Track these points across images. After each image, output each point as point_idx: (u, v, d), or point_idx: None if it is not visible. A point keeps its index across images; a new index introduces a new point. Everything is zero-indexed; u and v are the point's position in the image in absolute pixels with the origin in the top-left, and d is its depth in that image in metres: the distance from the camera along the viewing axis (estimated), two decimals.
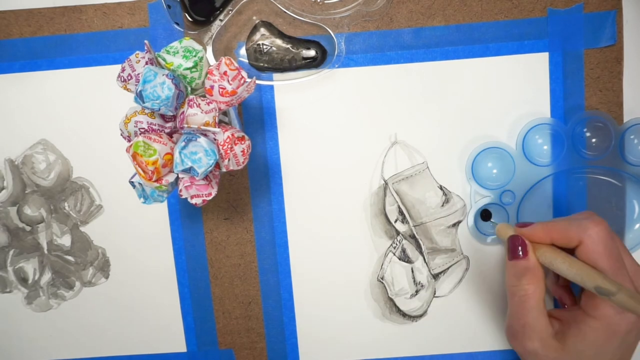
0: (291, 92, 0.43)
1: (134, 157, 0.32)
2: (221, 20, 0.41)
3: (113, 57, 0.43)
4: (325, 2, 0.41)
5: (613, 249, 0.31)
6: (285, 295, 0.45)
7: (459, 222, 0.43)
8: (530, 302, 0.32)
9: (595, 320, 0.32)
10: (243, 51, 0.42)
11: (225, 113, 0.37)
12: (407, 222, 0.43)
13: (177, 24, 0.40)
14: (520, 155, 0.42)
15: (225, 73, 0.32)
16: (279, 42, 0.42)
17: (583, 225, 0.31)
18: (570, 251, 0.33)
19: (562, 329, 0.32)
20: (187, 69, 0.32)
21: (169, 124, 0.34)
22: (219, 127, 0.32)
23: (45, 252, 0.45)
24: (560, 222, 0.33)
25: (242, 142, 0.34)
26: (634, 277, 0.32)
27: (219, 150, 0.33)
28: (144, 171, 0.32)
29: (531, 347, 0.32)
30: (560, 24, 0.41)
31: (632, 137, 0.42)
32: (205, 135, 0.33)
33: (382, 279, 0.44)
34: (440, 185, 0.43)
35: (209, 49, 0.41)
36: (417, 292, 0.44)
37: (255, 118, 0.43)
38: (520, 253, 0.33)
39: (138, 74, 0.32)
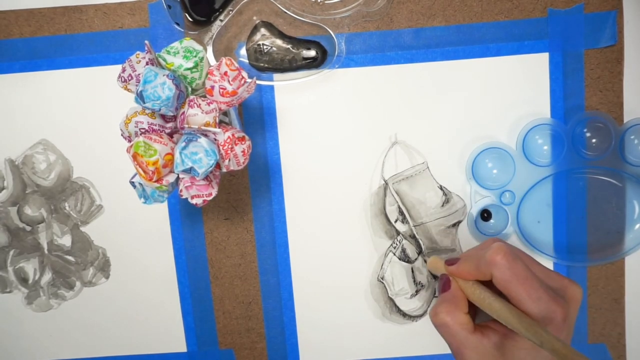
0: (291, 93, 0.43)
1: (135, 157, 0.32)
2: (221, 21, 0.41)
3: (113, 58, 0.43)
4: (326, 2, 0.41)
5: (519, 271, 0.31)
6: (285, 295, 0.45)
7: (459, 222, 0.44)
8: (452, 329, 0.33)
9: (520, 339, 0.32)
10: (243, 51, 0.42)
11: (225, 113, 0.37)
12: (407, 222, 0.43)
13: (178, 24, 0.40)
14: (521, 155, 0.42)
15: (225, 73, 0.32)
16: (279, 42, 0.42)
17: (487, 259, 0.32)
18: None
19: (500, 339, 0.33)
20: (188, 69, 0.32)
21: (170, 124, 0.34)
22: (219, 128, 0.32)
23: (46, 252, 0.45)
24: (470, 262, 0.34)
25: (243, 143, 0.34)
26: (547, 281, 0.33)
27: (219, 150, 0.33)
28: (144, 171, 0.32)
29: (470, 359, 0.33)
30: (561, 24, 0.41)
31: (632, 137, 0.42)
32: (205, 135, 0.33)
33: (382, 279, 0.44)
34: (441, 186, 0.43)
35: (210, 49, 0.41)
36: (417, 292, 0.44)
37: (256, 118, 0.43)
38: (445, 285, 0.35)
39: (139, 74, 0.32)
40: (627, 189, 0.43)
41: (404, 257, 0.44)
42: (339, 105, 0.43)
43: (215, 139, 0.33)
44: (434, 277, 0.44)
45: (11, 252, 0.45)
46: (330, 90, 0.43)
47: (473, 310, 0.35)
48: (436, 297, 0.44)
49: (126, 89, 0.33)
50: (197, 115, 0.32)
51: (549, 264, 0.44)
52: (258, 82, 0.42)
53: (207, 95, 0.33)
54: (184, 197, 0.34)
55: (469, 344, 0.33)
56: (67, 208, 0.45)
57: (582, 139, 0.42)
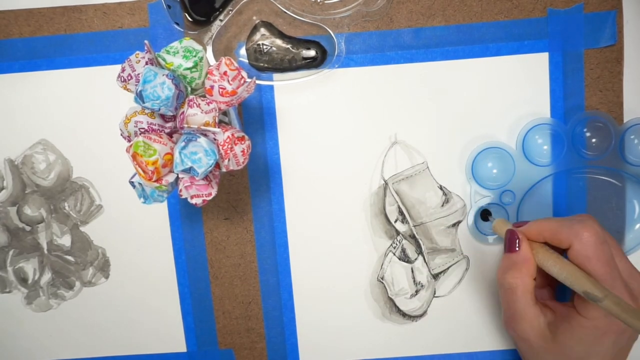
0: (291, 92, 0.43)
1: (134, 157, 0.32)
2: (221, 21, 0.41)
3: (113, 57, 0.43)
4: (326, 2, 0.41)
5: (603, 254, 0.31)
6: (285, 295, 0.45)
7: (459, 222, 0.44)
8: (516, 294, 0.33)
9: (585, 320, 0.32)
10: (243, 51, 0.42)
11: (225, 113, 0.37)
12: (407, 222, 0.43)
13: (177, 24, 0.40)
14: (520, 155, 0.42)
15: (225, 73, 0.32)
16: (279, 42, 0.42)
17: (574, 229, 0.32)
18: (564, 251, 0.33)
19: (555, 320, 0.33)
20: (187, 69, 0.32)
21: (169, 124, 0.34)
22: (219, 127, 0.32)
23: (45, 252, 0.45)
24: (553, 223, 0.33)
25: (242, 142, 0.34)
26: (629, 279, 0.32)
27: (219, 150, 0.33)
28: (144, 171, 0.32)
29: (522, 331, 0.33)
30: (560, 24, 0.41)
31: (632, 137, 0.42)
32: (205, 135, 0.33)
33: (382, 279, 0.44)
34: (440, 185, 0.43)
35: (209, 49, 0.41)
36: (417, 292, 0.44)
37: (255, 118, 0.43)
38: (517, 247, 0.34)
39: (138, 74, 0.32)
40: (627, 189, 0.43)
41: (404, 257, 0.44)
42: (338, 105, 0.43)
43: (215, 139, 0.33)
44: (434, 277, 0.44)
45: (11, 252, 0.45)
46: (330, 90, 0.43)
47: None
48: (437, 296, 0.44)
49: (126, 88, 0.33)
50: (197, 115, 0.32)
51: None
52: (258, 82, 0.42)
53: (207, 95, 0.33)
54: (183, 197, 0.34)
55: (528, 314, 0.32)
56: (66, 208, 0.45)
57: (582, 138, 0.42)
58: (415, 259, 0.44)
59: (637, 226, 0.43)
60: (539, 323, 0.32)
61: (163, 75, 0.31)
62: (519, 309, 0.33)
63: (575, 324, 0.32)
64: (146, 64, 0.32)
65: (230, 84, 0.33)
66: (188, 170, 0.32)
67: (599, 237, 0.31)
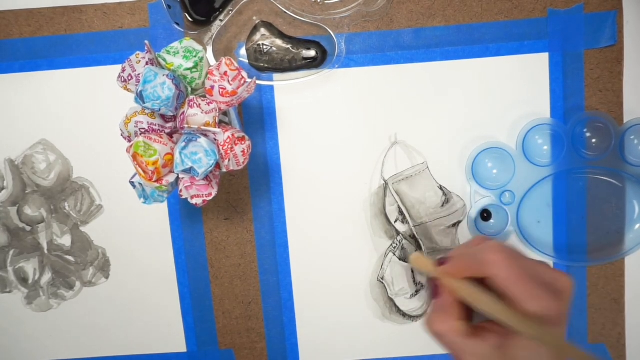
0: (291, 93, 0.43)
1: (135, 157, 0.32)
2: (221, 21, 0.41)
3: (113, 58, 0.43)
4: (326, 2, 0.41)
5: (516, 269, 0.31)
6: (285, 295, 0.45)
7: (459, 222, 0.44)
8: (447, 339, 0.33)
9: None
10: (243, 51, 0.42)
11: (225, 113, 0.37)
12: (407, 222, 0.43)
13: (178, 24, 0.40)
14: (520, 155, 0.42)
15: (225, 73, 0.32)
16: (279, 42, 0.42)
17: (484, 259, 0.32)
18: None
19: (501, 340, 0.32)
20: (188, 69, 0.32)
21: (169, 124, 0.34)
22: (219, 128, 0.32)
23: (46, 252, 0.45)
24: (463, 259, 0.33)
25: (243, 143, 0.34)
26: (538, 275, 0.32)
27: (219, 150, 0.33)
28: (144, 171, 0.32)
29: None
30: (561, 24, 0.41)
31: (632, 137, 0.42)
32: (205, 135, 0.33)
33: (382, 279, 0.44)
34: (440, 186, 0.43)
35: (209, 49, 0.41)
36: (417, 292, 0.44)
37: (256, 118, 0.43)
38: (435, 291, 0.34)
39: (138, 74, 0.32)
40: (627, 189, 0.43)
41: (404, 257, 0.44)
42: (339, 105, 0.43)
43: (215, 139, 0.33)
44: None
45: (11, 252, 0.45)
46: (330, 90, 0.43)
47: (469, 312, 0.35)
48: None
49: (126, 89, 0.33)
50: (197, 115, 0.32)
51: (549, 263, 0.44)
52: (258, 82, 0.42)
53: (207, 95, 0.33)
54: (183, 197, 0.34)
55: (468, 349, 0.32)
56: (67, 208, 0.45)
57: (582, 139, 0.42)
58: None
59: (637, 226, 0.43)
60: (483, 351, 0.32)
61: (163, 75, 0.31)
62: (458, 348, 0.33)
63: (519, 338, 0.32)
64: (146, 64, 0.32)
65: (231, 84, 0.33)
66: (188, 171, 0.32)
67: (507, 255, 0.31)
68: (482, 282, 0.33)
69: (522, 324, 0.30)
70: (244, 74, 0.33)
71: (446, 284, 0.34)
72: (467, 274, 0.33)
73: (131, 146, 0.32)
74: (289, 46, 0.42)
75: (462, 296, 0.33)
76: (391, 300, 0.44)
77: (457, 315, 0.33)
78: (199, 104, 0.32)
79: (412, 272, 0.44)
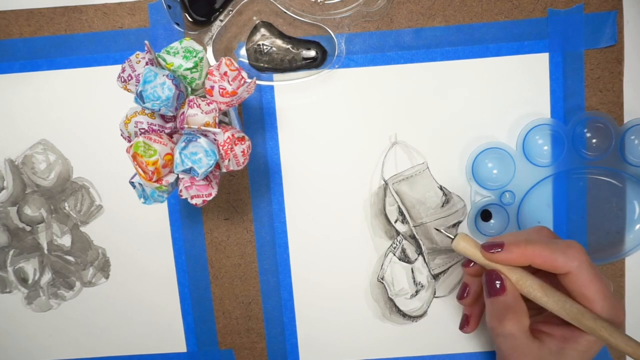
0: (291, 93, 0.43)
1: (134, 157, 0.32)
2: (221, 21, 0.41)
3: (113, 58, 0.43)
4: (326, 2, 0.41)
5: (593, 271, 0.31)
6: (285, 295, 0.45)
7: (459, 222, 0.43)
8: (518, 339, 0.31)
9: (582, 342, 0.31)
10: (243, 51, 0.42)
11: (225, 113, 0.37)
12: (407, 223, 0.43)
13: (178, 24, 0.40)
14: (521, 155, 0.42)
15: (225, 73, 0.32)
16: (279, 42, 0.42)
17: (569, 255, 0.31)
18: (543, 273, 0.32)
19: (559, 345, 0.31)
20: (188, 69, 0.32)
21: (169, 125, 0.34)
22: (219, 128, 0.32)
23: (46, 252, 0.45)
24: (543, 249, 0.31)
25: (243, 143, 0.34)
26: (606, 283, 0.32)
27: (219, 150, 0.33)
28: (144, 171, 0.32)
29: None
30: (561, 24, 0.41)
31: (632, 137, 0.42)
32: (205, 135, 0.33)
33: (382, 279, 0.44)
34: (441, 186, 0.43)
35: (209, 49, 0.41)
36: (417, 292, 0.44)
37: (255, 118, 0.43)
38: (502, 289, 0.32)
39: (138, 74, 0.32)
40: (627, 189, 0.43)
41: (404, 258, 0.44)
42: (339, 105, 0.43)
43: (215, 139, 0.33)
44: (434, 277, 0.44)
45: (11, 252, 0.45)
46: (330, 90, 0.43)
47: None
48: (437, 297, 0.44)
49: (126, 89, 0.33)
50: (197, 115, 0.32)
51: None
52: (258, 82, 0.42)
53: (207, 96, 0.33)
54: (183, 197, 0.34)
55: (530, 352, 0.31)
56: (66, 208, 0.45)
57: (582, 139, 0.42)
58: (416, 259, 0.44)
59: (637, 226, 0.43)
60: (541, 355, 0.31)
61: (163, 75, 0.31)
62: (521, 350, 0.31)
63: (576, 344, 0.31)
64: (146, 64, 0.32)
65: (231, 85, 0.33)
66: (188, 171, 0.32)
67: (586, 255, 0.31)
68: (531, 271, 0.31)
69: (596, 323, 0.30)
70: (244, 74, 0.33)
71: (511, 277, 0.32)
72: (544, 265, 0.31)
73: (131, 146, 0.32)
74: (289, 46, 0.42)
75: (523, 289, 0.31)
76: (391, 300, 0.44)
77: (527, 314, 0.31)
78: (199, 104, 0.32)
79: (412, 272, 0.44)
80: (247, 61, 0.42)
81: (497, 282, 0.32)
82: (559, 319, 0.32)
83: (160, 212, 0.44)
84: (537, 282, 0.32)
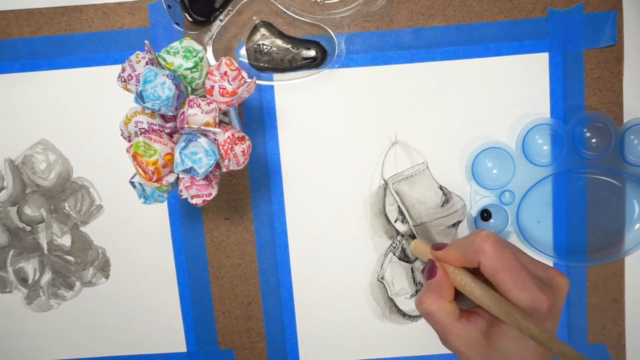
0: (291, 92, 0.43)
1: (134, 157, 0.32)
2: (221, 21, 0.41)
3: (113, 57, 0.43)
4: (326, 2, 0.41)
5: (507, 259, 0.31)
6: (285, 295, 0.45)
7: (459, 222, 0.44)
8: (435, 317, 0.33)
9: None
10: (243, 51, 0.42)
11: (225, 113, 0.37)
12: (407, 222, 0.43)
13: (177, 24, 0.40)
14: (520, 155, 0.42)
15: (225, 73, 0.32)
16: (279, 42, 0.42)
17: (475, 246, 0.32)
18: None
19: (487, 326, 0.33)
20: (188, 69, 0.32)
21: (170, 124, 0.34)
22: (219, 128, 0.32)
23: (46, 252, 0.45)
24: (458, 247, 0.34)
25: (243, 143, 0.34)
26: (534, 270, 0.33)
27: (219, 150, 0.33)
28: (144, 171, 0.32)
29: (454, 347, 0.34)
30: (561, 24, 0.41)
31: (632, 137, 0.42)
32: (205, 135, 0.33)
33: (382, 278, 0.44)
34: (440, 185, 0.43)
35: (209, 49, 0.41)
36: (417, 291, 0.44)
37: (256, 118, 0.43)
38: (430, 271, 0.35)
39: (138, 74, 0.32)
40: (627, 189, 0.43)
41: (404, 257, 0.44)
42: (338, 105, 0.43)
43: (215, 139, 0.33)
44: None
45: (11, 252, 0.45)
46: (330, 90, 0.43)
47: (461, 296, 0.35)
48: None
49: (126, 88, 0.33)
50: (197, 115, 0.32)
51: (548, 263, 0.44)
52: (258, 82, 0.42)
53: (207, 95, 0.33)
54: (183, 197, 0.34)
55: (454, 330, 0.33)
56: (66, 208, 0.45)
57: (582, 139, 0.42)
58: (415, 259, 0.44)
59: (637, 226, 0.43)
60: (469, 334, 0.33)
61: (163, 75, 0.31)
62: (444, 328, 0.33)
63: (505, 326, 0.32)
64: (146, 64, 0.32)
65: (231, 84, 0.33)
66: (188, 171, 0.32)
67: (497, 245, 0.32)
68: (477, 272, 0.33)
69: (508, 313, 0.30)
70: (244, 74, 0.33)
71: (449, 271, 0.34)
72: (461, 262, 0.33)
73: (131, 146, 0.32)
74: (289, 46, 0.42)
75: (454, 281, 0.34)
76: (391, 300, 0.44)
77: (449, 296, 0.34)
78: (199, 104, 0.32)
79: (412, 272, 0.44)
80: (247, 61, 0.42)
81: (433, 268, 0.35)
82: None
83: (160, 212, 0.44)
84: (467, 278, 0.33)
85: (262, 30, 0.42)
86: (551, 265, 0.44)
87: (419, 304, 0.34)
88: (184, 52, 0.32)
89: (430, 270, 0.35)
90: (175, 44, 0.33)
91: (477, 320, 0.33)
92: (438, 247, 0.35)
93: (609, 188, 0.43)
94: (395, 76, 0.42)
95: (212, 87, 0.33)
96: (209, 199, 0.34)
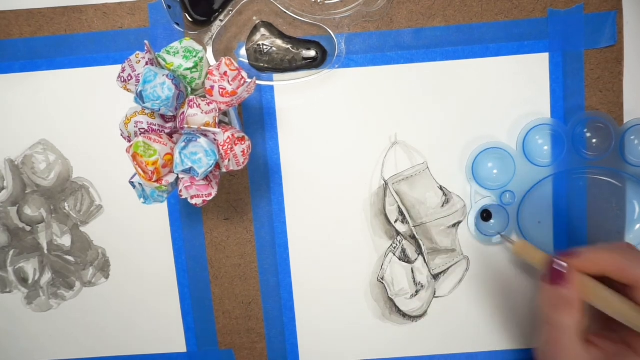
0: (291, 93, 0.43)
1: (134, 157, 0.32)
2: (221, 21, 0.41)
3: (113, 58, 0.43)
4: (326, 2, 0.41)
5: None
6: (285, 295, 0.45)
7: (459, 222, 0.43)
8: (566, 334, 0.30)
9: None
10: (243, 51, 0.42)
11: (225, 113, 0.37)
12: (407, 223, 0.43)
13: (177, 24, 0.40)
14: (521, 155, 0.42)
15: (225, 73, 0.32)
16: (279, 42, 0.42)
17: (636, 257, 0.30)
18: (609, 281, 0.31)
19: (617, 352, 0.30)
20: (188, 69, 0.32)
21: (169, 125, 0.34)
22: (219, 128, 0.32)
23: (45, 252, 0.45)
24: (617, 257, 0.30)
25: (242, 143, 0.34)
26: None
27: (219, 150, 0.33)
28: (144, 171, 0.32)
29: None
30: (561, 24, 0.41)
31: (632, 137, 0.42)
32: (205, 135, 0.33)
33: (382, 279, 0.44)
34: (441, 186, 0.43)
35: (209, 49, 0.41)
36: (417, 292, 0.44)
37: (255, 118, 0.43)
38: (566, 281, 0.31)
39: (138, 74, 0.32)
40: (627, 189, 0.43)
41: (404, 258, 0.44)
42: (339, 105, 0.43)
43: (215, 139, 0.33)
44: (434, 277, 0.44)
45: (11, 252, 0.45)
46: (330, 90, 0.43)
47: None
48: (437, 297, 0.44)
49: (126, 89, 0.33)
50: (197, 115, 0.32)
51: None
52: (258, 82, 0.42)
53: (207, 95, 0.33)
54: (183, 197, 0.34)
55: (571, 354, 0.30)
56: (66, 208, 0.45)
57: (582, 139, 0.42)
58: (416, 259, 0.44)
59: (637, 226, 0.43)
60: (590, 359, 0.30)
61: (163, 75, 0.31)
62: (564, 347, 0.30)
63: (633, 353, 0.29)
64: (146, 64, 0.32)
65: (231, 85, 0.33)
66: (188, 171, 0.32)
67: None
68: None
69: None
70: (244, 74, 0.33)
71: (578, 280, 0.31)
72: (616, 274, 0.30)
73: (131, 146, 0.32)
74: (289, 46, 0.42)
75: (586, 291, 0.30)
76: (391, 300, 0.44)
77: (582, 311, 0.30)
78: (199, 104, 0.32)
79: (412, 272, 0.44)
80: (247, 61, 0.42)
81: (562, 271, 0.31)
82: (613, 335, 0.31)
83: (160, 212, 0.44)
84: (610, 293, 0.30)
85: (262, 31, 0.42)
86: None
87: (553, 312, 0.30)
88: (184, 52, 0.32)
89: (559, 275, 0.31)
90: (175, 44, 0.33)
91: (594, 351, 0.30)
92: (567, 255, 0.31)
93: (609, 188, 0.43)
94: (395, 76, 0.42)
95: (212, 87, 0.33)
96: (208, 199, 0.34)
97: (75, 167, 0.44)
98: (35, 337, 0.46)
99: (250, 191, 0.44)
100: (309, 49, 0.42)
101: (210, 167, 0.32)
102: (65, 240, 0.45)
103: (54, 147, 0.44)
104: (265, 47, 0.42)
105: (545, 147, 0.42)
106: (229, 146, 0.33)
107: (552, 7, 0.41)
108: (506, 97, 0.42)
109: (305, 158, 0.43)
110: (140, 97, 0.31)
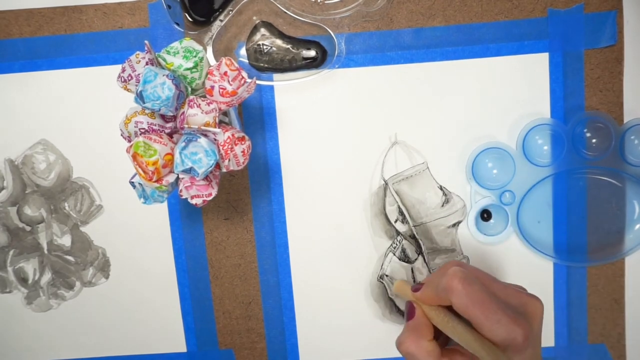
0: (291, 93, 0.43)
1: (134, 157, 0.32)
2: (221, 21, 0.41)
3: (113, 57, 0.43)
4: (326, 2, 0.41)
5: (475, 294, 0.31)
6: (285, 295, 0.45)
7: (459, 222, 0.44)
8: (416, 357, 0.33)
9: None
10: (243, 51, 0.42)
11: (225, 113, 0.37)
12: (407, 222, 0.43)
13: (178, 24, 0.40)
14: (521, 155, 0.42)
15: (225, 73, 0.32)
16: (279, 42, 0.42)
17: (444, 285, 0.32)
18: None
19: None
20: (188, 69, 0.32)
21: (169, 124, 0.34)
22: (219, 128, 0.32)
23: (45, 252, 0.45)
24: (431, 286, 0.33)
25: (243, 143, 0.34)
26: (506, 299, 0.32)
27: (219, 150, 0.33)
28: (144, 171, 0.32)
29: None
30: (561, 24, 0.41)
31: (632, 137, 0.42)
32: (205, 135, 0.33)
33: (382, 279, 0.44)
34: (440, 186, 0.43)
35: (209, 49, 0.41)
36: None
37: (255, 118, 0.43)
38: (409, 313, 0.35)
39: (138, 74, 0.32)
40: (627, 189, 0.43)
41: (404, 257, 0.44)
42: (338, 105, 0.43)
43: (215, 139, 0.33)
44: None
45: (11, 252, 0.45)
46: (330, 90, 0.43)
47: (443, 335, 0.34)
48: None
49: (126, 89, 0.33)
50: (197, 115, 0.32)
51: (549, 264, 0.44)
52: (258, 82, 0.42)
53: (207, 95, 0.33)
54: (183, 197, 0.34)
55: None
56: (66, 208, 0.45)
57: (582, 139, 0.42)
58: (416, 259, 0.44)
59: (637, 226, 0.43)
60: None
61: (163, 75, 0.31)
62: None
63: None
64: (146, 64, 0.32)
65: (231, 84, 0.33)
66: (188, 171, 0.32)
67: (465, 281, 0.31)
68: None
69: (483, 350, 0.30)
70: (244, 74, 0.33)
71: (426, 311, 0.34)
72: (436, 301, 0.33)
73: (131, 146, 0.32)
74: (289, 46, 0.42)
75: (433, 320, 0.34)
76: (391, 300, 0.44)
77: (428, 335, 0.33)
78: (199, 104, 0.32)
79: (412, 272, 0.44)
80: (247, 61, 0.42)
81: (412, 309, 0.35)
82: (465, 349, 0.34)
83: (160, 212, 0.44)
84: (444, 318, 0.33)
85: (262, 31, 0.42)
86: (551, 265, 0.44)
87: (399, 345, 0.34)
88: (184, 52, 0.32)
89: (409, 311, 0.35)
90: (175, 44, 0.33)
91: (458, 358, 0.33)
92: (417, 288, 0.35)
93: (609, 188, 0.43)
94: (396, 76, 0.42)
95: (212, 87, 0.33)
96: (209, 199, 0.34)
97: (75, 167, 0.44)
98: (35, 337, 0.46)
99: (250, 191, 0.44)
100: (309, 48, 0.42)
101: (211, 167, 0.32)
102: (65, 240, 0.45)
103: (54, 147, 0.44)
104: (265, 47, 0.42)
105: (545, 147, 0.42)
106: (229, 146, 0.33)
107: (552, 7, 0.41)
108: (506, 97, 0.42)
109: (305, 158, 0.43)
110: (140, 97, 0.31)
